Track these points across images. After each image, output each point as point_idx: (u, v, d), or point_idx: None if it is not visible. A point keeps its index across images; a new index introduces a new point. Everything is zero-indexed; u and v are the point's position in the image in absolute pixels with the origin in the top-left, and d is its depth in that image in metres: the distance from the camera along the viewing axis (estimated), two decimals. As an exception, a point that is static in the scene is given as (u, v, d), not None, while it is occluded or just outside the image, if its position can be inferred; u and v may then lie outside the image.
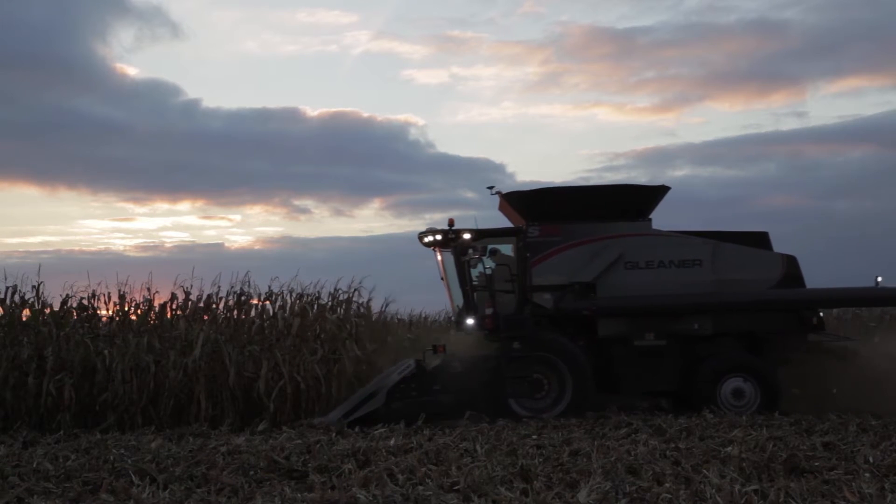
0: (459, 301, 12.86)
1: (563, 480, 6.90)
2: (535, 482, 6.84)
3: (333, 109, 44.84)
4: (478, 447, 8.55)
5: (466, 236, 12.36)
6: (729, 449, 8.00)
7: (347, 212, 43.64)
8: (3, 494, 6.94)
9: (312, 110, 46.40)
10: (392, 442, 8.96)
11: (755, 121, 50.78)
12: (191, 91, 57.00)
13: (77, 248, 37.61)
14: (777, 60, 41.70)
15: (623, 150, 47.43)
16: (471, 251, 12.21)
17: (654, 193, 13.03)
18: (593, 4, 44.53)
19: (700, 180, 41.96)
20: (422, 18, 47.26)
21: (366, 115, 44.31)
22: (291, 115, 42.91)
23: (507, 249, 12.73)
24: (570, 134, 45.63)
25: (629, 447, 8.47)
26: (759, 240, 13.02)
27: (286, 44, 45.39)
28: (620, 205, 12.74)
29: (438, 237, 12.61)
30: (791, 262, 12.75)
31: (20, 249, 36.16)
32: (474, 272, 12.60)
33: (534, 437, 9.59)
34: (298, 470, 7.62)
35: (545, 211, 12.72)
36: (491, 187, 13.16)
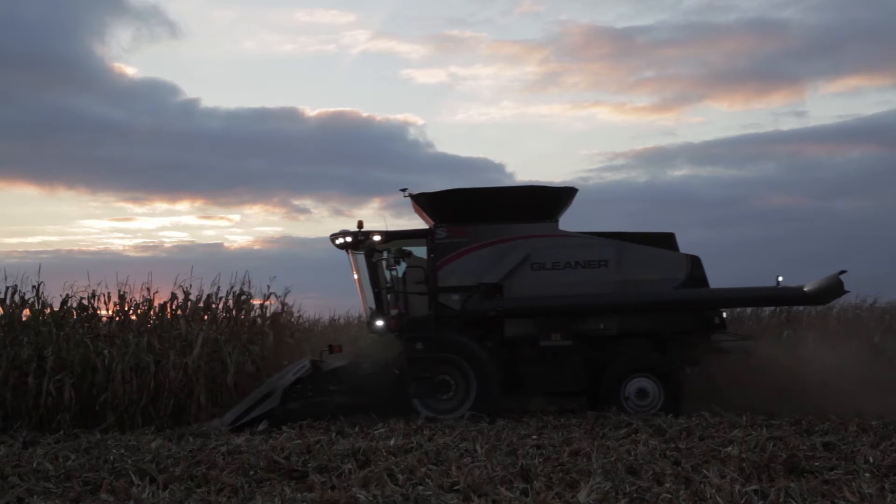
0: (372, 303, 12.94)
1: (563, 480, 6.91)
2: (535, 482, 6.84)
3: (332, 109, 44.80)
4: (478, 447, 8.55)
5: (376, 238, 12.51)
6: (729, 449, 8.01)
7: (347, 211, 43.57)
8: (3, 494, 6.94)
9: (311, 110, 46.32)
10: (392, 442, 8.96)
11: (755, 120, 50.66)
12: (189, 91, 56.90)
13: (76, 248, 37.59)
14: (776, 60, 41.69)
15: (622, 150, 47.40)
16: (387, 253, 12.31)
17: (561, 195, 13.07)
18: (592, 3, 44.44)
19: (700, 180, 41.99)
20: (419, 18, 47.14)
21: (365, 114, 44.22)
22: (290, 115, 42.84)
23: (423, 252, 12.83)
24: (569, 134, 45.57)
25: (629, 447, 8.47)
26: (666, 240, 13.02)
27: (284, 43, 45.30)
28: (527, 206, 12.74)
29: (349, 239, 12.70)
30: (695, 263, 12.77)
31: (19, 249, 36.16)
32: (388, 274, 12.68)
33: (534, 437, 9.60)
34: (298, 470, 7.62)
35: (453, 212, 12.76)
36: (404, 189, 13.06)
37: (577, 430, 10.15)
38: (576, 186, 13.20)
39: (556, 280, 12.43)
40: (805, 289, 12.64)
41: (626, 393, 12.14)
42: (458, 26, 44.43)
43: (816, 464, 7.47)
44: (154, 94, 40.43)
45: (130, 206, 41.32)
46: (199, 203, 42.76)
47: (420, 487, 6.70)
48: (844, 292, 12.53)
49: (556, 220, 12.95)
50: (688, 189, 40.58)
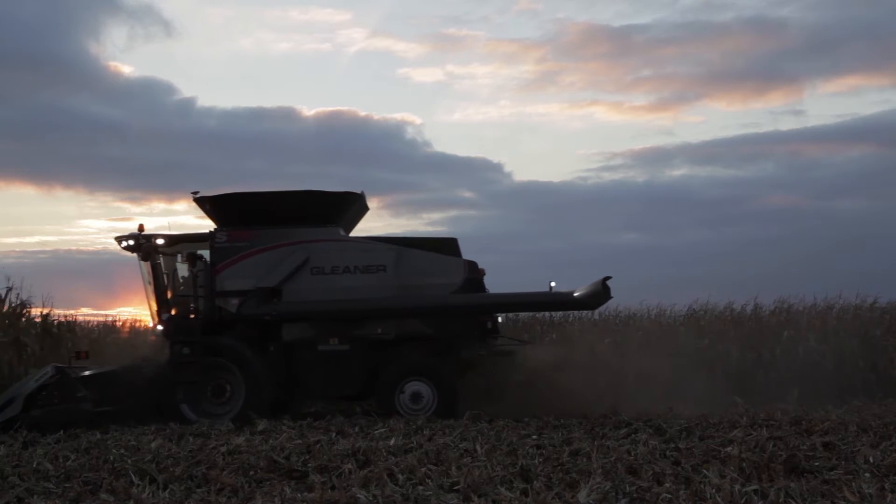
0: (155, 305, 13.04)
1: (563, 480, 6.91)
2: (535, 482, 6.84)
3: (330, 108, 44.87)
4: (478, 447, 8.55)
5: (160, 241, 12.64)
6: (729, 449, 8.00)
7: (345, 211, 43.50)
8: (3, 494, 6.94)
9: (308, 109, 46.37)
10: (392, 442, 8.96)
11: (753, 120, 50.83)
12: (185, 90, 57.14)
13: (75, 248, 37.65)
14: (775, 59, 41.72)
15: (620, 150, 47.49)
16: (180, 257, 12.56)
17: (343, 199, 13.16)
18: (589, 1, 44.53)
19: (698, 180, 42.05)
20: (415, 16, 47.25)
21: (362, 114, 44.31)
22: (287, 115, 42.89)
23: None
24: (567, 133, 45.65)
25: (629, 447, 8.47)
26: (448, 246, 13.07)
27: (279, 41, 45.36)
28: (307, 210, 12.81)
29: (131, 242, 12.73)
30: (472, 268, 12.86)
31: (17, 249, 36.20)
32: (182, 277, 12.86)
33: (534, 437, 9.60)
34: (298, 470, 7.62)
35: (233, 216, 12.84)
36: (195, 192, 13.06)
37: (577, 430, 10.16)
38: (358, 192, 13.30)
39: (335, 284, 12.48)
40: (575, 294, 12.78)
41: (400, 396, 12.20)
42: (455, 25, 44.53)
43: (816, 464, 7.47)
44: (150, 94, 40.56)
45: (128, 206, 41.38)
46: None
47: (420, 487, 6.70)
48: (610, 297, 12.62)
49: (339, 225, 13.00)
50: (686, 189, 40.66)
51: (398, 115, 48.15)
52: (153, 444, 9.18)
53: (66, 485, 7.23)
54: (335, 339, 12.51)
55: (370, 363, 12.49)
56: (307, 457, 8.14)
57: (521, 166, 53.53)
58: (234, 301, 12.48)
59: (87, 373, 12.29)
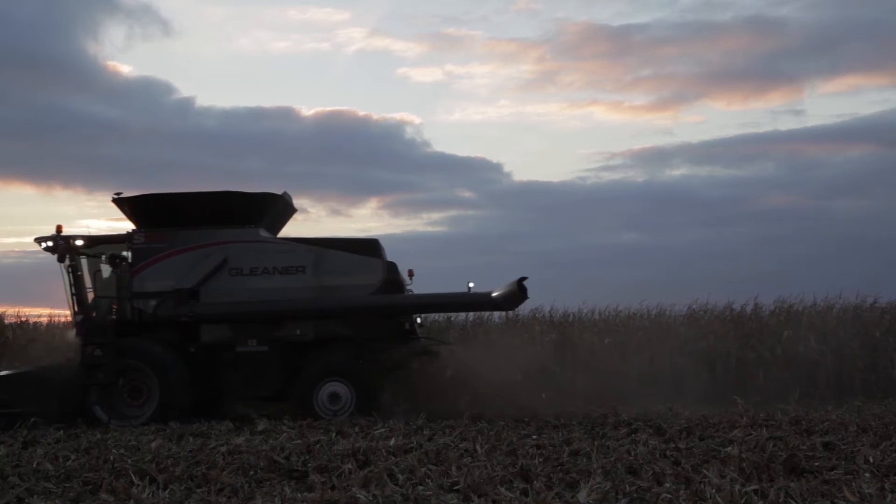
0: (74, 306, 13.01)
1: (563, 480, 6.90)
2: (535, 482, 6.84)
3: (329, 108, 44.76)
4: (478, 447, 8.55)
5: (78, 242, 12.61)
6: (729, 449, 8.00)
7: (344, 211, 43.51)
8: (3, 494, 6.94)
9: (307, 109, 46.29)
10: (392, 442, 8.96)
11: (753, 119, 50.70)
12: (184, 89, 56.97)
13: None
14: (774, 58, 41.60)
15: (620, 150, 47.37)
16: (104, 258, 12.52)
17: (261, 201, 13.12)
18: (588, 1, 44.39)
19: (698, 180, 41.95)
20: (414, 16, 47.10)
21: (361, 113, 44.18)
22: (286, 114, 42.77)
23: None
24: (566, 133, 45.50)
25: (629, 447, 8.47)
26: (368, 247, 13.04)
27: (278, 41, 45.23)
28: (225, 211, 12.77)
29: (50, 243, 12.72)
30: (391, 269, 12.87)
31: (17, 249, 36.17)
32: (101, 278, 12.82)
33: (534, 437, 9.60)
34: (298, 470, 7.62)
35: (151, 217, 12.80)
36: (118, 193, 13.02)
37: (577, 430, 10.16)
38: (277, 193, 13.28)
39: (254, 286, 12.45)
40: (493, 295, 12.78)
41: (318, 397, 12.19)
42: (453, 24, 44.45)
43: (816, 464, 7.47)
44: (149, 93, 40.46)
45: (126, 206, 41.33)
46: (195, 202, 42.67)
47: (420, 487, 6.70)
48: (525, 298, 12.64)
49: (260, 226, 12.92)
50: (686, 189, 40.56)
51: (397, 115, 48.01)
52: (153, 444, 9.19)
53: (66, 485, 7.22)
54: (254, 341, 12.48)
55: (289, 364, 12.47)
56: (307, 457, 8.14)
57: (521, 166, 53.51)
58: (153, 302, 12.45)
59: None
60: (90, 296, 12.87)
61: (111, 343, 12.16)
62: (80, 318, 12.49)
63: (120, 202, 12.96)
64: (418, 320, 13.42)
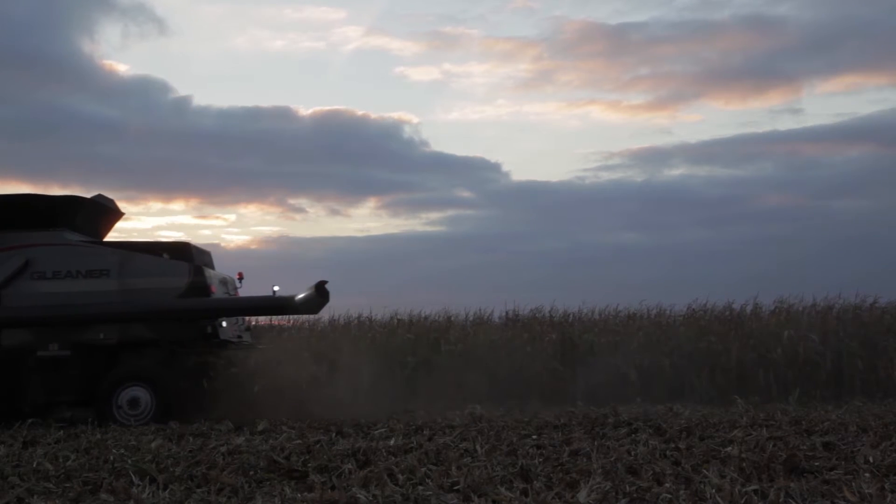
0: None
1: (563, 480, 6.90)
2: (535, 482, 6.84)
3: (326, 108, 44.76)
4: (478, 447, 8.55)
5: None
6: (729, 449, 8.00)
7: (343, 211, 43.62)
8: (3, 494, 6.94)
9: (305, 108, 46.24)
10: (392, 442, 8.96)
11: (751, 119, 50.71)
12: (181, 88, 57.04)
13: (72, 248, 37.44)
14: (772, 57, 41.63)
15: (618, 149, 47.41)
16: None
17: (64, 203, 13.04)
18: (586, -1, 44.36)
19: (697, 180, 42.03)
20: (410, 14, 47.14)
21: (359, 113, 44.21)
22: (284, 114, 42.84)
23: None
24: (564, 132, 45.55)
25: (629, 447, 8.47)
26: (177, 250, 13.01)
27: (274, 40, 45.28)
28: (26, 214, 12.69)
29: None
30: (198, 272, 12.78)
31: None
32: None
33: (534, 437, 9.60)
34: (298, 470, 7.61)
35: None
36: None
37: (577, 430, 10.16)
38: (88, 196, 13.28)
39: (57, 289, 12.35)
40: (296, 298, 12.75)
41: (118, 402, 12.10)
42: (450, 23, 44.49)
43: (816, 464, 7.47)
44: (146, 92, 40.52)
45: (125, 206, 41.23)
46: (193, 202, 42.75)
47: (420, 487, 6.70)
48: (327, 301, 12.66)
49: (63, 229, 12.83)
50: (685, 188, 40.64)
51: (395, 114, 48.06)
52: (153, 444, 9.18)
53: (66, 485, 7.22)
54: (55, 345, 12.41)
55: (92, 369, 12.37)
56: (307, 457, 8.14)
57: (519, 165, 53.52)
58: None
59: None
60: None
61: None
62: None
63: None
64: (224, 324, 13.07)
